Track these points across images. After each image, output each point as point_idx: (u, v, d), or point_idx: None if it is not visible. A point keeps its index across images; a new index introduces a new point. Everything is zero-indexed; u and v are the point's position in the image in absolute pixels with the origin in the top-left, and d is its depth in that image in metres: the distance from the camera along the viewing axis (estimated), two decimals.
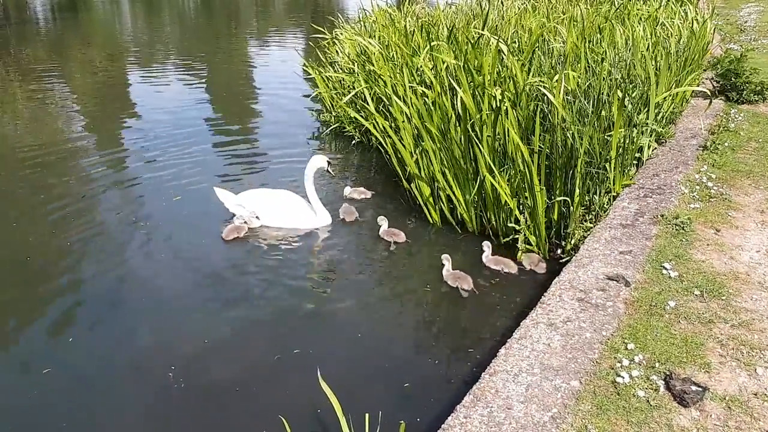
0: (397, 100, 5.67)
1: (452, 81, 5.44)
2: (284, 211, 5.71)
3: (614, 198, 5.14)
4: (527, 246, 5.06)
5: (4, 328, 4.25)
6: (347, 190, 6.36)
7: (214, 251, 5.29)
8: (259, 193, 5.81)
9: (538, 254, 5.03)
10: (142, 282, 4.80)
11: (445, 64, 5.76)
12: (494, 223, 5.37)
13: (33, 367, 3.85)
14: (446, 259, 4.79)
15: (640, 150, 5.83)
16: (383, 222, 5.50)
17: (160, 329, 4.27)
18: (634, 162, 5.72)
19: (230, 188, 5.97)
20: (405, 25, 8.84)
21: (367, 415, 3.04)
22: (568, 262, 4.19)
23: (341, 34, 9.95)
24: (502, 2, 11.14)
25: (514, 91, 5.27)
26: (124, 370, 3.84)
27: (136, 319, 4.37)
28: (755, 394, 2.80)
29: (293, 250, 5.35)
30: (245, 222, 5.58)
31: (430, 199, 5.71)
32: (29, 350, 4.02)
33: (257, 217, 5.64)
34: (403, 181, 5.98)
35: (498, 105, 5.07)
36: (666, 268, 3.83)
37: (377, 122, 5.93)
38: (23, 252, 5.23)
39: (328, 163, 5.80)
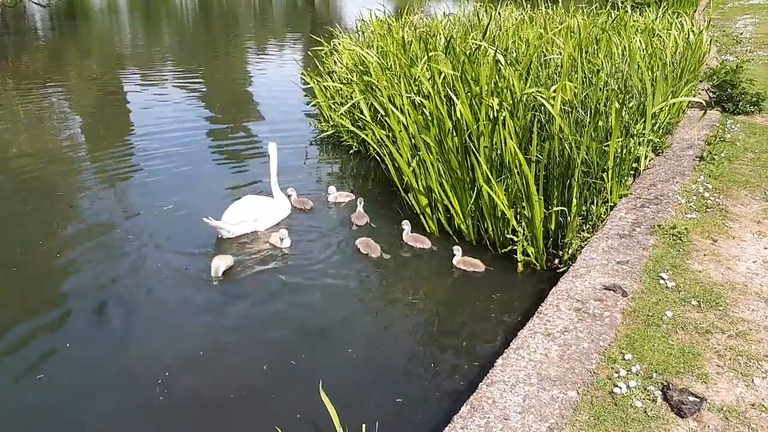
0: (395, 110, 5.68)
1: (449, 91, 5.46)
2: (260, 213, 5.83)
3: (611, 208, 5.14)
4: (525, 257, 5.06)
5: None
6: (332, 196, 6.48)
7: (204, 260, 5.22)
8: (233, 208, 5.69)
9: (474, 257, 5.14)
10: (131, 292, 4.76)
11: (443, 75, 5.78)
12: (491, 233, 5.37)
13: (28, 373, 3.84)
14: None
15: (637, 160, 5.85)
16: (360, 204, 5.96)
17: (152, 339, 4.25)
18: (631, 172, 5.74)
19: (226, 198, 5.98)
20: (403, 36, 8.88)
21: (363, 426, 3.02)
22: (565, 272, 4.18)
23: (339, 44, 9.99)
24: (499, 13, 11.20)
25: (511, 102, 5.29)
26: (115, 380, 3.82)
27: (127, 328, 4.35)
28: (753, 405, 2.80)
29: (286, 258, 5.33)
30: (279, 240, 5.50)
31: (428, 209, 5.71)
32: (21, 358, 4.00)
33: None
34: (401, 190, 5.99)
35: (495, 115, 5.09)
36: (663, 278, 3.83)
37: (374, 132, 5.95)
38: (10, 263, 5.17)
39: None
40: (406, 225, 5.60)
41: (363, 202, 6.03)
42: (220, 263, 4.95)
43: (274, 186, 6.20)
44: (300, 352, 4.07)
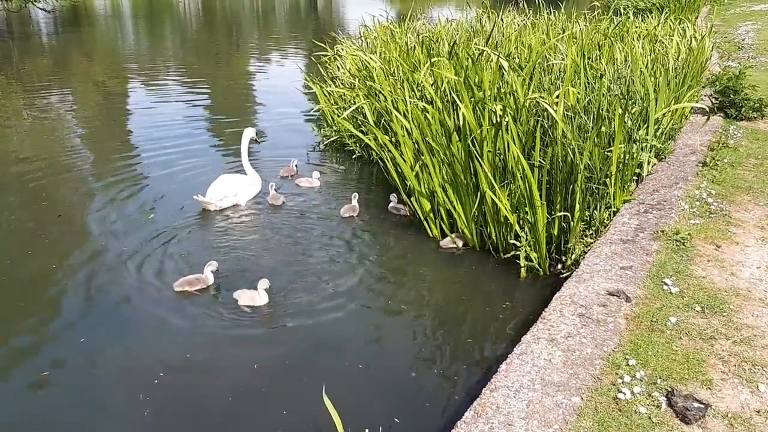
0: (398, 115, 5.69)
1: (453, 96, 5.47)
2: (239, 189, 6.49)
3: (614, 213, 5.14)
4: (528, 263, 5.06)
5: None
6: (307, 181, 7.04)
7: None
8: (216, 186, 6.36)
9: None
10: (127, 298, 4.74)
11: (446, 80, 5.79)
12: (494, 238, 5.36)
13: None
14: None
15: (640, 166, 5.84)
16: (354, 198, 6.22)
17: (149, 346, 4.22)
18: (634, 178, 5.73)
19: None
20: (406, 41, 8.90)
21: (366, 431, 3.01)
22: (568, 277, 4.18)
23: (342, 49, 10.01)
24: (502, 19, 11.22)
25: (514, 107, 5.29)
26: (116, 384, 3.82)
27: (125, 334, 4.34)
28: (758, 412, 2.78)
29: (278, 260, 5.31)
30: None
31: (431, 214, 5.71)
32: (22, 359, 4.01)
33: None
34: (403, 195, 5.99)
35: (498, 120, 5.09)
36: (667, 284, 3.83)
37: (377, 137, 5.95)
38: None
39: (257, 133, 7.25)
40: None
41: (357, 196, 6.28)
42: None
43: (246, 164, 6.85)
44: (301, 358, 4.06)
